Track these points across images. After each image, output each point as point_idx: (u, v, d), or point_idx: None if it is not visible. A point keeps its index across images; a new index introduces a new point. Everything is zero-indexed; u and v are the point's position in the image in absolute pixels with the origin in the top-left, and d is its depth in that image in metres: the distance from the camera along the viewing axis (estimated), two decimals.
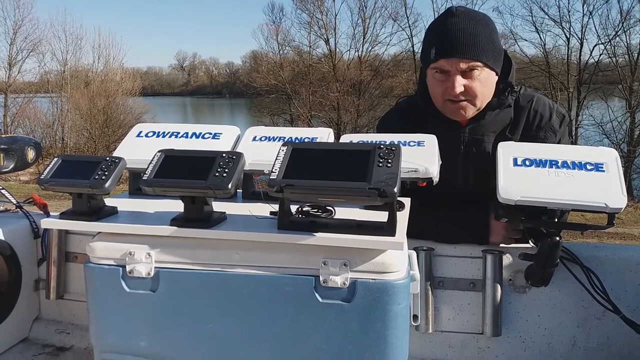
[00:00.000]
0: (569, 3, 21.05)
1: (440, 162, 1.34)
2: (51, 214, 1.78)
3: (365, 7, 24.31)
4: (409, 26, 24.12)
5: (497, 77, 1.65)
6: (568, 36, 20.97)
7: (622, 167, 1.37)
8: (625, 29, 19.79)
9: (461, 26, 1.56)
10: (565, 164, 1.35)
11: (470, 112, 1.63)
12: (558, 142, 1.67)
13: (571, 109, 20.13)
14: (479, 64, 1.56)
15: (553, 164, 1.35)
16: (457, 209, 1.65)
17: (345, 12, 42.03)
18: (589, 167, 1.34)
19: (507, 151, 1.41)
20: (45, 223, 1.25)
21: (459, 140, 1.68)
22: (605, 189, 1.28)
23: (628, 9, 19.68)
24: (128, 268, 1.12)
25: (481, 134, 1.66)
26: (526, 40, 21.99)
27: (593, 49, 20.63)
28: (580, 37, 20.77)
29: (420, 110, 1.75)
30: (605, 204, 1.25)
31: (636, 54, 19.69)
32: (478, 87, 1.58)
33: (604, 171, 1.32)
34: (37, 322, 1.89)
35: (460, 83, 1.56)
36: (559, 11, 21.05)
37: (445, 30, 1.57)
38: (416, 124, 1.69)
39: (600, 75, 20.76)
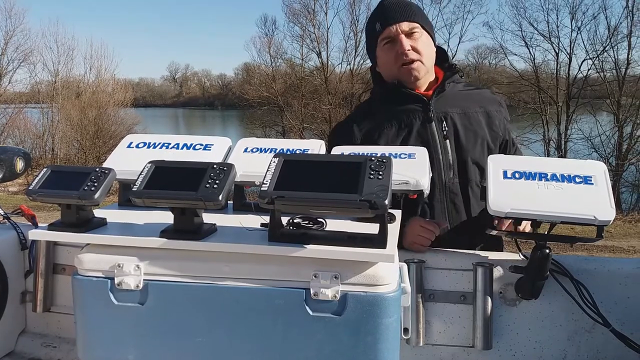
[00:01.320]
0: (557, 19, 21.30)
1: (431, 175, 1.35)
2: (39, 225, 1.77)
3: (357, 21, 24.50)
4: None
5: (434, 46, 1.87)
6: (557, 51, 21.24)
7: (611, 180, 1.38)
8: (612, 45, 20.09)
9: (396, 1, 1.84)
10: (554, 177, 1.36)
11: (423, 71, 1.81)
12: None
13: (560, 123, 20.34)
14: (417, 25, 1.80)
15: (542, 176, 1.36)
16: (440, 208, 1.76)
17: (337, 25, 42.42)
18: (577, 179, 1.35)
19: (497, 164, 1.42)
20: (33, 234, 1.23)
21: (429, 112, 1.80)
22: (594, 201, 1.29)
23: (615, 25, 19.99)
24: (117, 280, 1.10)
25: (446, 108, 1.82)
26: (516, 54, 22.17)
27: (581, 63, 20.91)
28: (568, 52, 21.05)
29: (378, 107, 1.89)
30: (594, 217, 1.26)
31: (624, 69, 19.96)
32: (422, 46, 1.80)
33: (592, 184, 1.34)
34: (23, 335, 1.86)
35: (407, 42, 1.78)
36: (548, 26, 21.34)
37: (384, 6, 1.85)
38: (376, 121, 1.83)
39: (589, 89, 21.01)
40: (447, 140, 1.79)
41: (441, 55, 1.91)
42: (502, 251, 1.78)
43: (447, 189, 1.78)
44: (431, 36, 1.85)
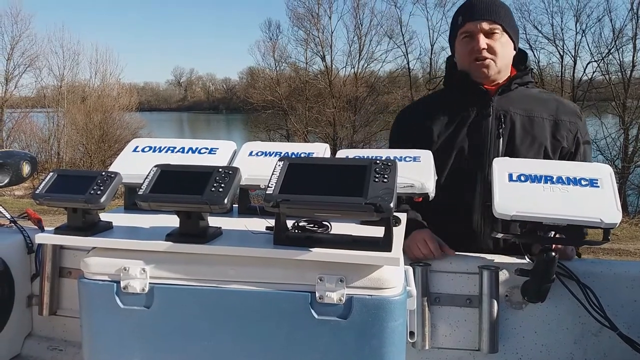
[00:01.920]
0: (562, 21, 21.29)
1: (436, 178, 1.35)
2: (46, 229, 1.77)
3: (361, 25, 24.55)
4: (405, 44, 24.34)
5: (514, 50, 1.88)
6: (562, 54, 21.21)
7: (617, 183, 1.38)
8: (617, 47, 20.03)
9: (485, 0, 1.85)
10: (560, 180, 1.35)
11: (493, 70, 1.82)
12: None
13: None
14: (499, 26, 1.81)
15: (548, 179, 1.36)
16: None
17: (341, 29, 42.52)
18: (583, 182, 1.34)
19: (502, 167, 1.41)
20: (39, 238, 1.24)
21: (488, 107, 1.81)
22: (600, 204, 1.29)
23: (620, 27, 19.94)
24: (122, 284, 1.11)
25: (508, 107, 1.82)
26: None
27: (586, 66, 20.86)
28: (573, 54, 21.02)
29: (443, 95, 1.97)
30: (601, 220, 1.25)
31: (629, 72, 19.90)
32: (498, 47, 1.81)
33: (598, 187, 1.33)
34: (29, 338, 1.86)
35: (483, 41, 1.79)
36: (553, 29, 21.31)
37: (472, 2, 1.87)
38: (438, 108, 1.88)
39: (594, 92, 20.95)
40: (501, 139, 1.79)
41: (521, 58, 1.92)
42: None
43: (487, 187, 1.76)
44: (512, 39, 1.86)
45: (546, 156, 1.78)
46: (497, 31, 1.80)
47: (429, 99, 2.06)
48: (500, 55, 1.81)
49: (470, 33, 1.81)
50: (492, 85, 1.84)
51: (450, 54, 2.01)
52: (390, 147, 1.94)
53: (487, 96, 1.82)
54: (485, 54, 1.79)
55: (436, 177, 1.35)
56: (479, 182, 1.77)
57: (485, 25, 1.79)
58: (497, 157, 1.75)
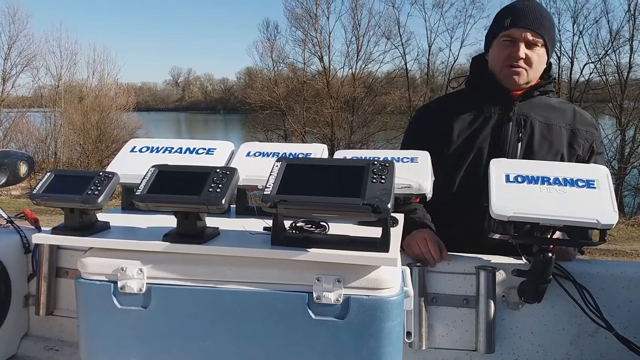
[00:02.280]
0: (559, 22, 21.29)
1: (433, 179, 1.35)
2: (43, 229, 1.77)
3: (359, 26, 24.55)
4: (402, 44, 24.36)
5: (546, 64, 1.88)
6: (559, 55, 21.21)
7: (613, 184, 1.38)
8: (614, 49, 20.09)
9: (534, 7, 1.85)
10: (557, 181, 1.36)
11: (523, 80, 1.82)
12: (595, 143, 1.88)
13: None
14: (541, 40, 1.80)
15: (545, 180, 1.36)
16: None
17: (339, 30, 42.61)
18: (580, 183, 1.35)
19: (499, 168, 1.42)
20: (36, 238, 1.24)
21: (511, 112, 1.83)
22: (596, 205, 1.29)
23: (617, 28, 20.00)
24: (120, 284, 1.11)
25: (529, 112, 1.84)
26: None
27: (583, 67, 20.91)
28: (570, 56, 21.06)
29: (467, 93, 1.97)
30: (597, 220, 1.26)
31: (626, 73, 19.97)
32: (535, 60, 1.81)
33: (595, 188, 1.34)
34: (25, 338, 1.86)
35: (523, 50, 1.79)
36: None
37: (522, 7, 1.84)
38: (460, 108, 1.88)
39: (591, 93, 21.00)
40: (520, 143, 1.81)
41: (546, 67, 1.92)
42: None
43: None
44: (548, 52, 1.86)
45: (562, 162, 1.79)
46: (538, 44, 1.80)
47: (450, 99, 2.05)
48: (534, 67, 1.82)
49: (513, 39, 1.80)
50: (516, 90, 1.85)
51: (475, 54, 2.00)
52: (405, 143, 1.95)
53: (510, 100, 1.84)
54: (522, 63, 1.79)
55: (433, 178, 1.35)
56: None
57: (530, 36, 1.78)
58: (516, 153, 1.79)
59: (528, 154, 1.79)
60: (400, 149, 1.94)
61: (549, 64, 1.92)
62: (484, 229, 1.76)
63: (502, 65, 1.82)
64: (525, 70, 1.81)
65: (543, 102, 1.88)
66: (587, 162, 1.83)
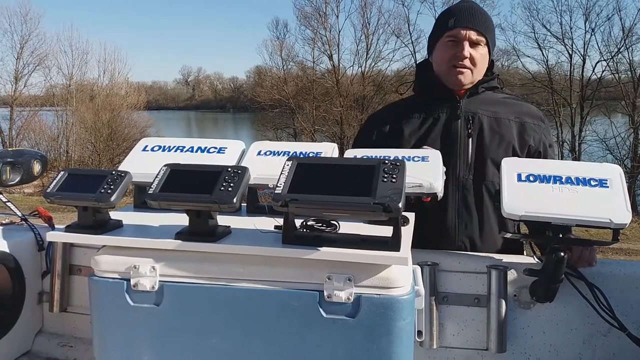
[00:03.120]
0: (571, 20, 21.17)
1: (444, 178, 1.35)
2: (56, 226, 1.79)
3: (369, 24, 24.51)
4: (412, 42, 24.28)
5: (487, 62, 1.91)
6: (570, 53, 21.07)
7: (627, 183, 1.37)
8: (627, 46, 19.88)
9: (476, 8, 1.89)
10: (569, 180, 1.35)
11: (468, 79, 1.85)
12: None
13: (574, 125, 20.17)
14: (484, 39, 1.84)
15: (557, 179, 1.36)
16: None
17: (348, 28, 42.43)
18: (593, 182, 1.34)
19: (511, 167, 1.41)
20: (50, 236, 1.25)
21: (457, 110, 1.86)
22: (609, 204, 1.28)
23: (630, 26, 19.78)
24: (132, 281, 1.12)
25: (476, 109, 1.86)
26: (529, 56, 22.02)
27: (595, 65, 20.71)
28: (582, 53, 20.87)
29: (413, 98, 2.00)
30: (610, 220, 1.25)
31: (639, 71, 19.75)
32: (479, 59, 1.84)
33: (608, 187, 1.33)
34: (40, 335, 1.89)
35: (468, 50, 1.82)
36: (561, 28, 21.17)
37: (464, 8, 1.88)
38: (409, 111, 1.92)
39: (603, 91, 20.80)
40: (470, 139, 1.82)
41: (489, 66, 1.95)
42: (522, 254, 1.77)
43: (460, 185, 1.81)
44: (490, 52, 1.89)
45: (514, 154, 1.81)
46: (481, 43, 1.83)
47: (397, 105, 2.06)
48: (478, 67, 1.85)
49: (457, 38, 1.82)
50: (460, 89, 1.87)
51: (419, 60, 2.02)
52: (354, 146, 1.95)
53: (456, 99, 1.86)
54: (466, 62, 1.82)
55: (445, 177, 1.35)
56: (451, 179, 1.79)
57: (473, 35, 1.81)
58: (467, 157, 1.82)
59: (480, 149, 1.81)
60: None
61: (491, 62, 1.95)
62: (445, 224, 1.79)
63: (448, 65, 1.84)
64: (470, 69, 1.83)
65: (490, 98, 1.91)
66: (543, 154, 1.87)
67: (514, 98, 2.00)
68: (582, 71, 20.91)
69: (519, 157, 1.79)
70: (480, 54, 1.84)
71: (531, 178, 1.37)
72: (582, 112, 20.34)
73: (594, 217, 1.26)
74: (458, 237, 1.80)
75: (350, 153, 1.48)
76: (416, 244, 1.62)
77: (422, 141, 1.83)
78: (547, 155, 1.87)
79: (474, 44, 1.82)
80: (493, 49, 1.92)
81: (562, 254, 1.36)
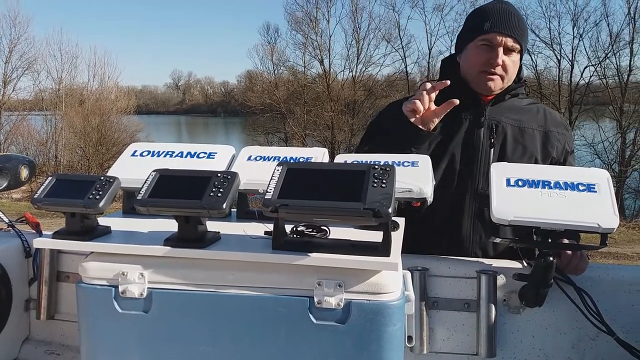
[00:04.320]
0: (559, 25, 21.40)
1: (434, 183, 1.35)
2: (44, 233, 1.77)
3: (359, 29, 24.64)
4: (402, 47, 24.46)
5: (517, 69, 1.85)
6: (559, 58, 21.31)
7: (614, 187, 1.38)
8: (615, 52, 20.15)
9: (513, 11, 1.81)
10: (557, 185, 1.36)
11: (498, 86, 1.80)
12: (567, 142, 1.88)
13: None
14: (519, 47, 1.78)
15: (546, 184, 1.36)
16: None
17: (339, 33, 42.73)
18: (581, 187, 1.35)
19: (500, 172, 1.42)
20: (37, 243, 1.24)
21: (482, 117, 1.81)
22: (597, 209, 1.29)
23: (617, 32, 20.05)
24: (121, 288, 1.11)
25: (500, 117, 1.82)
26: None
27: (584, 70, 20.96)
28: (571, 59, 21.12)
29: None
30: (598, 224, 1.26)
31: (626, 76, 20.00)
32: (511, 67, 1.79)
33: (596, 192, 1.34)
34: (26, 342, 1.86)
35: (502, 56, 1.76)
36: (550, 33, 21.41)
37: (501, 10, 1.79)
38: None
39: (591, 96, 21.05)
40: (492, 149, 1.78)
41: (517, 71, 1.89)
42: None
43: (478, 195, 1.77)
44: (521, 59, 1.84)
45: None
46: (516, 50, 1.78)
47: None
48: (509, 74, 1.80)
49: (492, 44, 1.75)
50: (489, 95, 1.83)
51: (446, 55, 1.97)
52: (367, 134, 1.92)
53: (481, 106, 1.81)
54: (499, 70, 1.76)
55: (434, 182, 1.35)
56: (469, 190, 1.78)
57: (510, 42, 1.75)
58: (487, 167, 1.73)
59: (501, 159, 1.75)
60: (358, 147, 1.92)
61: (520, 70, 1.89)
62: (460, 234, 1.77)
63: (479, 70, 1.78)
64: (501, 77, 1.78)
65: (514, 105, 1.86)
66: (562, 163, 1.83)
67: (537, 104, 1.95)
68: (571, 76, 21.18)
69: None
70: (513, 61, 1.78)
71: (520, 183, 1.37)
72: (571, 117, 20.55)
73: (582, 221, 1.27)
74: (472, 248, 1.78)
75: (340, 158, 1.48)
76: (429, 252, 1.64)
77: (444, 146, 1.77)
78: (566, 163, 1.84)
79: (508, 51, 1.76)
80: (521, 59, 1.86)
81: (551, 258, 1.37)
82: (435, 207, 1.73)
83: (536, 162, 1.78)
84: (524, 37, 1.79)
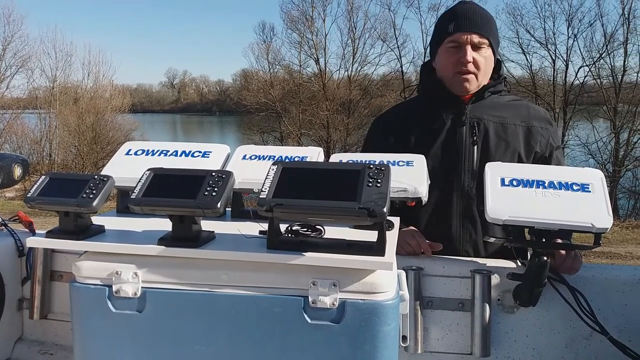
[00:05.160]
0: (554, 26, 21.46)
1: (429, 182, 1.35)
2: (37, 232, 1.76)
3: (355, 28, 24.62)
4: (398, 47, 24.45)
5: (493, 63, 1.87)
6: (554, 58, 21.39)
7: (608, 187, 1.39)
8: (609, 52, 20.24)
9: (476, 9, 1.85)
10: (552, 184, 1.36)
11: (474, 84, 1.82)
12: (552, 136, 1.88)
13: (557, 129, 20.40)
14: (487, 41, 1.80)
15: (540, 184, 1.37)
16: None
17: (335, 32, 42.66)
18: (575, 187, 1.35)
19: (495, 171, 1.42)
20: (30, 242, 1.23)
21: (463, 116, 1.82)
22: (591, 209, 1.30)
23: (611, 32, 20.14)
24: (114, 288, 1.10)
25: (481, 114, 1.83)
26: (513, 61, 22.25)
27: (578, 70, 21.05)
28: (565, 59, 21.20)
29: (419, 102, 1.96)
30: (592, 224, 1.26)
31: (620, 76, 20.11)
32: (483, 62, 1.81)
33: (590, 191, 1.34)
34: (19, 342, 1.85)
35: (470, 54, 1.78)
36: (545, 34, 21.49)
37: (463, 10, 1.84)
38: (414, 116, 1.89)
39: (586, 96, 21.14)
40: (475, 146, 1.80)
41: (495, 66, 1.91)
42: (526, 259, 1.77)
43: (464, 193, 1.79)
44: (494, 52, 1.86)
45: (520, 161, 1.79)
46: (484, 45, 1.79)
47: (404, 107, 2.03)
48: (483, 70, 1.81)
49: (459, 43, 1.79)
50: (466, 95, 1.84)
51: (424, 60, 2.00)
52: (364, 151, 1.93)
53: (462, 105, 1.83)
54: (470, 67, 1.78)
55: (429, 182, 1.35)
56: (456, 189, 1.79)
57: (476, 38, 1.78)
58: (472, 165, 1.79)
59: (485, 157, 1.77)
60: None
61: (498, 63, 1.91)
62: (451, 235, 1.79)
63: (452, 72, 1.81)
64: (475, 74, 1.80)
65: (495, 102, 1.87)
66: (548, 158, 1.84)
67: (521, 100, 1.96)
68: (565, 76, 21.27)
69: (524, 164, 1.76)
70: (484, 56, 1.80)
71: (514, 182, 1.38)
72: (565, 117, 20.66)
73: (576, 221, 1.27)
74: (462, 246, 1.79)
75: (335, 157, 1.48)
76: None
77: (427, 147, 1.78)
78: (552, 157, 1.85)
79: (476, 47, 1.78)
80: (497, 48, 1.88)
81: (544, 258, 1.37)
82: (423, 208, 1.76)
83: (519, 158, 1.80)
84: (490, 30, 1.81)
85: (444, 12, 1.99)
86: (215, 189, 1.09)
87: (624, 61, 19.85)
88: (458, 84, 1.81)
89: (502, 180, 1.39)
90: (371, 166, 1.05)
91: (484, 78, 1.84)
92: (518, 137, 1.81)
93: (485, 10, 1.88)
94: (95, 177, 1.20)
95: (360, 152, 1.87)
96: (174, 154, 1.54)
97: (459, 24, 1.80)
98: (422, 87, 1.97)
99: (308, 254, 1.04)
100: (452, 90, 1.83)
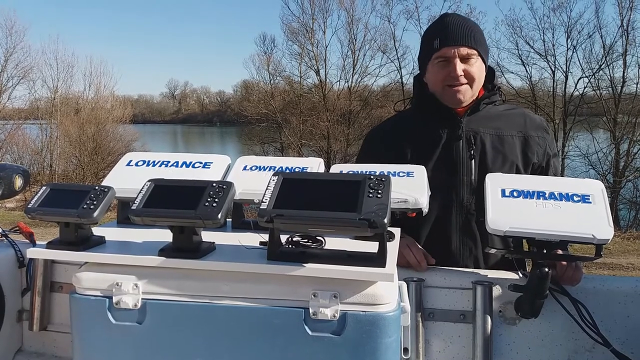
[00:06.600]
0: (553, 37, 21.54)
1: (429, 193, 1.35)
2: (37, 242, 1.76)
3: (355, 40, 24.74)
4: (398, 58, 24.57)
5: (485, 72, 1.85)
6: (553, 69, 21.45)
7: (608, 198, 1.39)
8: (608, 63, 20.31)
9: (459, 21, 1.82)
10: (552, 196, 1.36)
11: (468, 95, 1.79)
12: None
13: (557, 140, 20.43)
14: (475, 52, 1.78)
15: (540, 195, 1.37)
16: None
17: (335, 44, 42.85)
18: (575, 198, 1.35)
19: (495, 182, 1.42)
20: (31, 253, 1.23)
21: (458, 129, 1.80)
22: (592, 220, 1.30)
23: (611, 43, 20.23)
24: (115, 299, 1.10)
25: (477, 127, 1.81)
26: (512, 72, 22.37)
27: (578, 81, 21.10)
28: (565, 70, 21.26)
29: (413, 116, 1.93)
30: (593, 235, 1.26)
31: (619, 87, 20.16)
32: (475, 72, 1.78)
33: (590, 202, 1.34)
34: (19, 354, 1.84)
35: (460, 67, 1.76)
36: (544, 45, 21.57)
37: (447, 24, 1.81)
38: (409, 130, 1.86)
39: (585, 107, 21.18)
40: (473, 160, 1.78)
41: (488, 75, 1.88)
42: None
43: (463, 208, 1.77)
44: (485, 61, 1.84)
45: (518, 173, 1.77)
46: (473, 56, 1.77)
47: (400, 120, 1.98)
48: (476, 79, 1.79)
49: (446, 58, 1.77)
50: (460, 107, 1.82)
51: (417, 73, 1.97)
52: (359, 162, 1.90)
53: (456, 118, 1.81)
54: (462, 80, 1.76)
55: (430, 193, 1.35)
56: (455, 204, 1.77)
57: (463, 51, 1.75)
58: (470, 179, 1.77)
59: (483, 170, 1.74)
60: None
61: (491, 72, 1.89)
62: (451, 250, 1.77)
63: (443, 86, 1.79)
64: (468, 85, 1.78)
65: (491, 113, 1.85)
66: (546, 168, 1.83)
67: (516, 108, 1.93)
68: (565, 87, 21.32)
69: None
70: (476, 67, 1.78)
71: (515, 194, 1.38)
72: (565, 128, 20.68)
73: (577, 232, 1.27)
74: (463, 261, 1.77)
75: (336, 168, 1.48)
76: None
77: (425, 162, 1.68)
78: (549, 166, 1.83)
79: (465, 59, 1.76)
80: (487, 57, 1.86)
81: (546, 269, 1.37)
82: (422, 223, 1.74)
83: (517, 170, 1.78)
84: (477, 40, 1.79)
85: (428, 27, 1.95)
86: (216, 200, 1.09)
87: (623, 72, 19.93)
88: (450, 96, 1.79)
89: (503, 191, 1.39)
90: (372, 177, 1.05)
91: (477, 89, 1.82)
92: (515, 148, 1.80)
93: (470, 20, 1.87)
94: (96, 187, 1.21)
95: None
96: (175, 164, 1.54)
97: (444, 39, 1.77)
98: (415, 100, 1.95)
99: (309, 265, 1.04)
100: (446, 103, 1.81)
